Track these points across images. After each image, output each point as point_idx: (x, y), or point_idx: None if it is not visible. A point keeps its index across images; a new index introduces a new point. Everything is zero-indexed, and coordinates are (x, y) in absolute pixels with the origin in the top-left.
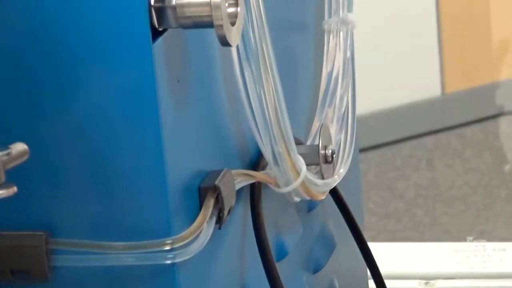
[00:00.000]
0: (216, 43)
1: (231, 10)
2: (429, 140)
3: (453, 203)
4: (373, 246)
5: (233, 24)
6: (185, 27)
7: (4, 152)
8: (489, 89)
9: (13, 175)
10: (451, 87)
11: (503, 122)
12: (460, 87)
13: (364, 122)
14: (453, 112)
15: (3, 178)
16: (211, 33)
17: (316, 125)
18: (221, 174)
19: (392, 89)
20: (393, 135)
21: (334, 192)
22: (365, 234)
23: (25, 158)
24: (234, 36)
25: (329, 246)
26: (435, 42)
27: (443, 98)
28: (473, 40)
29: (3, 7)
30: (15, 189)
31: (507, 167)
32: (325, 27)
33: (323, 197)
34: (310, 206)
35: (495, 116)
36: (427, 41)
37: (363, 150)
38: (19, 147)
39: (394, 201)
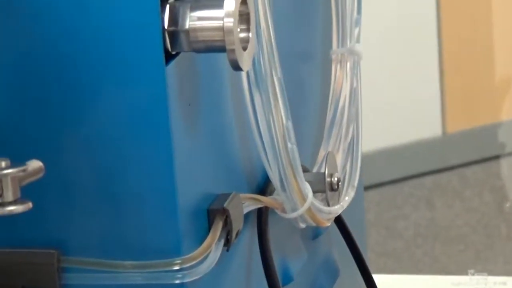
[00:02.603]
0: (227, 68)
1: (243, 35)
2: (429, 179)
3: (453, 243)
4: (376, 278)
5: (244, 49)
6: (197, 51)
7: (21, 168)
8: (491, 129)
9: (26, 192)
10: (452, 126)
11: (504, 163)
12: (462, 127)
13: (364, 160)
14: (454, 152)
15: (18, 194)
16: (222, 57)
17: (322, 153)
18: (230, 197)
19: (393, 127)
20: (393, 174)
21: (339, 221)
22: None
23: (40, 175)
24: (245, 61)
25: (333, 274)
26: (436, 81)
27: (444, 137)
28: (476, 79)
29: (19, 24)
30: (30, 205)
31: (507, 205)
32: (333, 56)
33: (328, 224)
34: (315, 233)
35: (496, 157)
36: (429, 80)
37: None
38: (35, 164)
39: (393, 240)
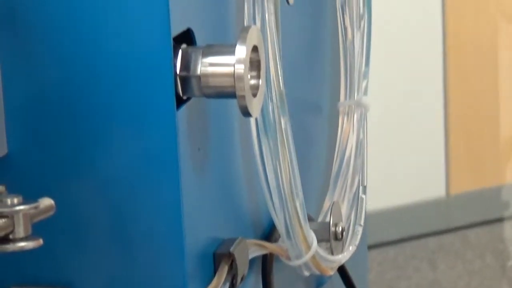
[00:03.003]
0: (236, 113)
1: (253, 82)
2: (432, 240)
3: None
4: None
5: (254, 95)
6: (208, 96)
7: (32, 206)
8: (495, 191)
9: (38, 230)
10: (456, 188)
11: (508, 225)
12: (465, 188)
13: (367, 220)
14: (457, 213)
15: (30, 231)
16: (232, 103)
17: (327, 203)
18: (236, 242)
19: (397, 187)
20: (395, 234)
21: (342, 271)
22: None
23: (51, 213)
24: (255, 107)
25: None
26: (441, 142)
27: (448, 199)
28: (480, 141)
29: (34, 63)
30: (41, 241)
31: (510, 264)
32: (340, 108)
33: (332, 273)
34: (319, 282)
35: (500, 220)
36: (434, 141)
37: None
38: (46, 202)
39: None
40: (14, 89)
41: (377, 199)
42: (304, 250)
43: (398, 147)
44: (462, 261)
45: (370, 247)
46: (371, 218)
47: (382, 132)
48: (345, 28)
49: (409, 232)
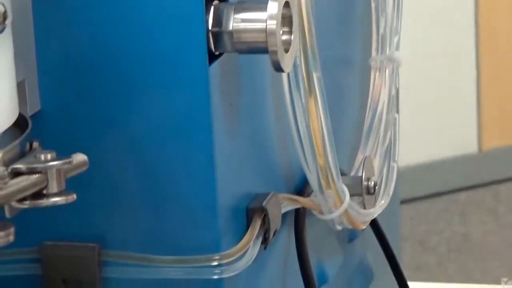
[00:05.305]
0: (268, 69)
1: (285, 37)
2: (463, 195)
3: (486, 259)
4: (410, 285)
5: (286, 51)
6: (240, 52)
7: (66, 161)
8: None
9: (70, 187)
10: (487, 144)
11: None
12: (497, 144)
13: (399, 175)
14: (489, 169)
15: (63, 186)
16: (264, 59)
17: (359, 157)
18: (269, 197)
19: (429, 143)
20: (427, 190)
21: (374, 225)
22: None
23: (84, 168)
24: (287, 62)
25: (367, 277)
26: (473, 98)
27: (479, 154)
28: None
29: (67, 25)
30: (74, 196)
31: None
32: (372, 63)
33: (364, 227)
34: (351, 236)
35: None
36: (466, 98)
37: None
38: (80, 157)
39: (426, 255)
40: (47, 46)
41: (410, 154)
42: (337, 204)
43: (431, 103)
44: (493, 215)
45: (403, 202)
46: (402, 173)
47: (414, 88)
48: None
49: (441, 187)
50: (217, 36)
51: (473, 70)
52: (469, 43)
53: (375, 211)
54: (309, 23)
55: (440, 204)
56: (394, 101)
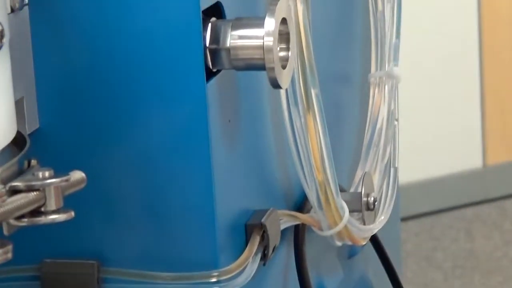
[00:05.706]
0: (266, 86)
1: (282, 54)
2: (469, 211)
3: (491, 275)
4: None
5: (284, 67)
6: (238, 68)
7: (63, 178)
8: None
9: (69, 204)
10: (492, 159)
11: None
12: (502, 159)
13: (404, 192)
14: (494, 184)
15: (61, 203)
16: (262, 75)
17: (359, 173)
18: (267, 213)
19: (434, 159)
20: (433, 205)
21: (374, 241)
22: None
23: (82, 185)
24: (284, 79)
25: None
26: (478, 113)
27: (484, 170)
28: None
29: (65, 43)
30: (72, 213)
31: None
32: (371, 79)
33: (364, 243)
34: (351, 252)
35: None
36: (470, 112)
37: (402, 219)
38: (77, 175)
39: (431, 271)
40: (46, 64)
41: (415, 170)
42: (336, 220)
43: (435, 118)
44: (499, 231)
45: (408, 218)
46: (408, 189)
47: (420, 104)
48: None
49: (446, 203)
50: (215, 53)
51: (477, 84)
52: (473, 58)
53: (375, 227)
54: (306, 39)
55: (445, 220)
56: (394, 117)
